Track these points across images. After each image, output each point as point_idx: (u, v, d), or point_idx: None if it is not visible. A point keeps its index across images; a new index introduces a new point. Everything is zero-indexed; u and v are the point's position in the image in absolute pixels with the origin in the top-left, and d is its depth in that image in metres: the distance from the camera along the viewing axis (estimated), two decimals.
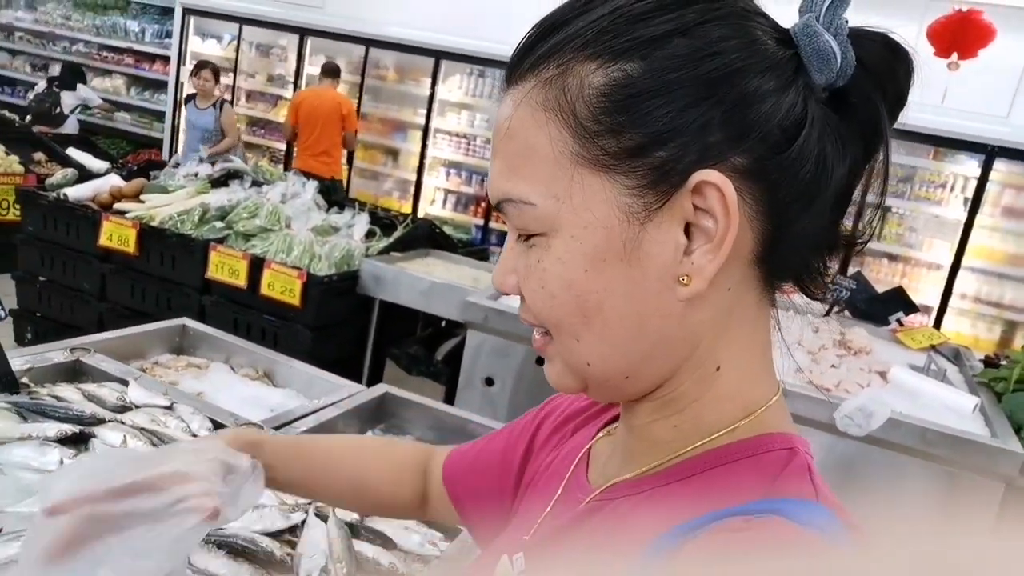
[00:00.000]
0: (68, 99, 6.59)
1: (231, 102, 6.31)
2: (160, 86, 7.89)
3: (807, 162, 0.49)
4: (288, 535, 1.09)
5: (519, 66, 0.52)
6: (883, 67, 0.51)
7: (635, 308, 0.51)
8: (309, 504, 1.14)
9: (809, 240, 0.53)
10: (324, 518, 1.11)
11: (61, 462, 1.14)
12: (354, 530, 1.12)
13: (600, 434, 0.67)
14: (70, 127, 6.60)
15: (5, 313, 1.38)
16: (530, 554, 0.62)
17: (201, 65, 5.85)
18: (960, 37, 4.21)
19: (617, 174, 0.49)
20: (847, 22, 0.51)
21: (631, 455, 0.59)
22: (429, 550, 1.14)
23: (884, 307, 3.58)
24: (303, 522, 1.11)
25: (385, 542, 1.10)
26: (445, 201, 6.90)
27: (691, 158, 0.48)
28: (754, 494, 0.49)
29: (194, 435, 1.33)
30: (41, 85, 6.75)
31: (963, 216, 5.27)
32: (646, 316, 0.51)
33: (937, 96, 4.97)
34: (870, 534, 0.48)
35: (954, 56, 4.23)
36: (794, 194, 0.50)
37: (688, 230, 0.50)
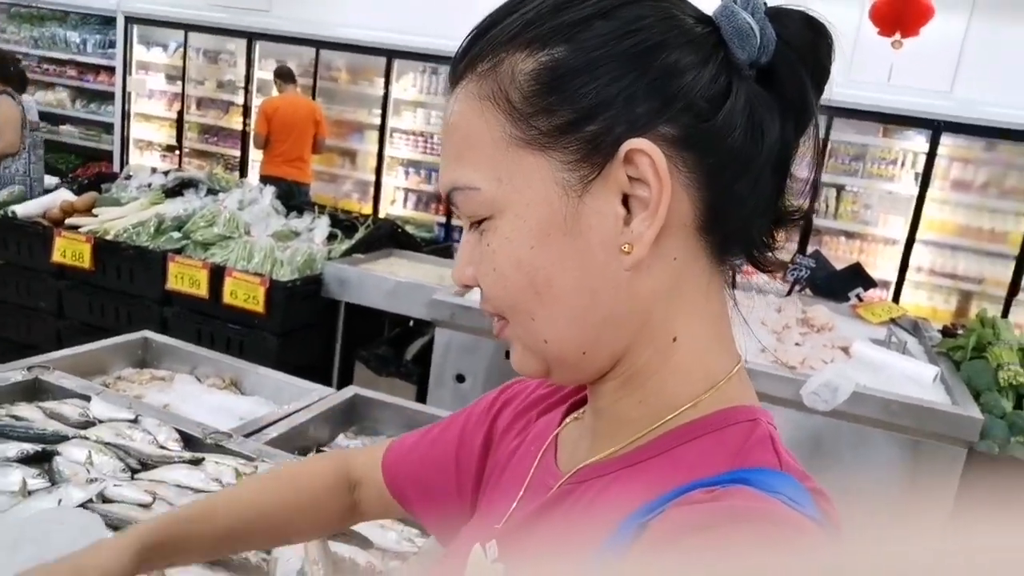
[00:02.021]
0: None
1: (17, 96, 4.42)
2: (107, 97, 7.70)
3: (735, 130, 0.51)
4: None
5: (458, 66, 0.55)
6: (804, 42, 0.53)
7: (584, 281, 0.53)
8: None
9: (749, 208, 0.54)
10: None
11: (24, 482, 1.11)
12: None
13: (568, 419, 0.67)
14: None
15: None
16: (503, 541, 0.62)
17: None
18: (902, 16, 4.30)
19: (553, 151, 0.51)
20: (764, 3, 0.53)
21: (599, 437, 0.59)
22: (406, 547, 1.14)
23: (843, 284, 3.65)
24: None
25: (361, 541, 1.09)
26: (406, 200, 6.86)
27: (620, 129, 0.50)
28: (719, 467, 0.50)
29: (161, 447, 1.31)
30: None
31: (915, 191, 5.40)
32: (595, 288, 0.53)
33: (883, 74, 5.09)
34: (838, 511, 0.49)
35: (897, 35, 4.33)
36: (726, 160, 0.52)
37: (627, 202, 0.52)
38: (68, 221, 3.71)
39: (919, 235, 5.44)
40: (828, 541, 0.45)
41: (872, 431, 2.53)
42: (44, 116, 7.28)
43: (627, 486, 0.54)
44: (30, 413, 1.38)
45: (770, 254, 0.58)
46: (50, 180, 4.58)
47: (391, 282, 3.37)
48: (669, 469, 0.52)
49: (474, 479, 0.74)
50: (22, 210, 3.81)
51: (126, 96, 7.45)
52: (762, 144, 0.52)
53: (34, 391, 1.56)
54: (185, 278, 3.37)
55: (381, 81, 6.50)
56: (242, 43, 6.96)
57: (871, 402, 2.50)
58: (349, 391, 1.98)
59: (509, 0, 0.55)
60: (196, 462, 1.26)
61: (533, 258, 0.52)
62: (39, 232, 3.62)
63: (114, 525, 1.03)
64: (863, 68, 5.17)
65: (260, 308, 3.21)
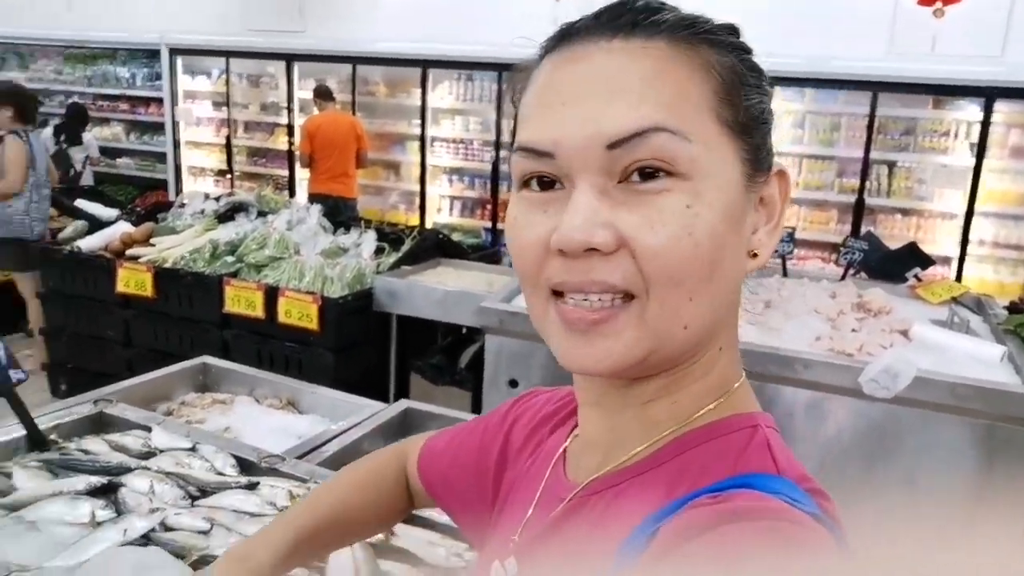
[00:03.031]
0: (76, 154, 6.65)
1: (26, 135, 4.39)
2: (158, 128, 7.98)
3: None
4: (316, 561, 1.11)
5: (646, 23, 0.53)
6: None
7: (734, 272, 0.55)
8: None
9: None
10: None
11: (92, 514, 1.17)
12: (379, 550, 1.13)
13: (575, 432, 0.68)
14: (87, 179, 6.70)
15: (26, 375, 1.41)
16: (520, 557, 0.63)
17: None
18: None
19: (741, 143, 0.54)
20: None
21: (616, 440, 0.59)
22: (455, 562, 1.15)
23: (899, 264, 3.54)
24: None
25: (411, 558, 1.12)
26: (451, 208, 6.92)
27: (767, 148, 0.57)
28: (720, 474, 0.52)
29: (219, 473, 1.36)
30: (50, 145, 6.74)
31: (971, 162, 5.19)
32: (734, 282, 0.55)
33: (927, 44, 4.92)
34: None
35: (939, 3, 4.19)
36: None
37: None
38: (128, 252, 3.86)
39: (978, 207, 5.23)
40: (832, 543, 0.46)
41: (939, 417, 2.45)
42: (102, 151, 7.60)
43: (636, 497, 0.55)
44: (96, 446, 1.45)
45: None
46: (110, 212, 4.75)
47: (439, 292, 3.40)
48: (674, 478, 0.54)
49: (493, 487, 0.76)
50: (85, 244, 3.98)
51: (175, 126, 7.70)
52: None
53: (100, 423, 1.63)
54: (241, 300, 3.47)
55: (418, 92, 6.58)
56: (281, 65, 7.12)
57: (935, 387, 2.42)
58: (401, 405, 2.01)
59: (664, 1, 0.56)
60: (251, 487, 1.30)
61: (724, 234, 0.52)
62: (102, 265, 3.78)
63: (177, 553, 1.08)
64: (905, 39, 5.00)
65: (314, 325, 3.29)
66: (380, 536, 1.17)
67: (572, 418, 0.70)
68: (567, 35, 0.55)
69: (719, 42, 0.55)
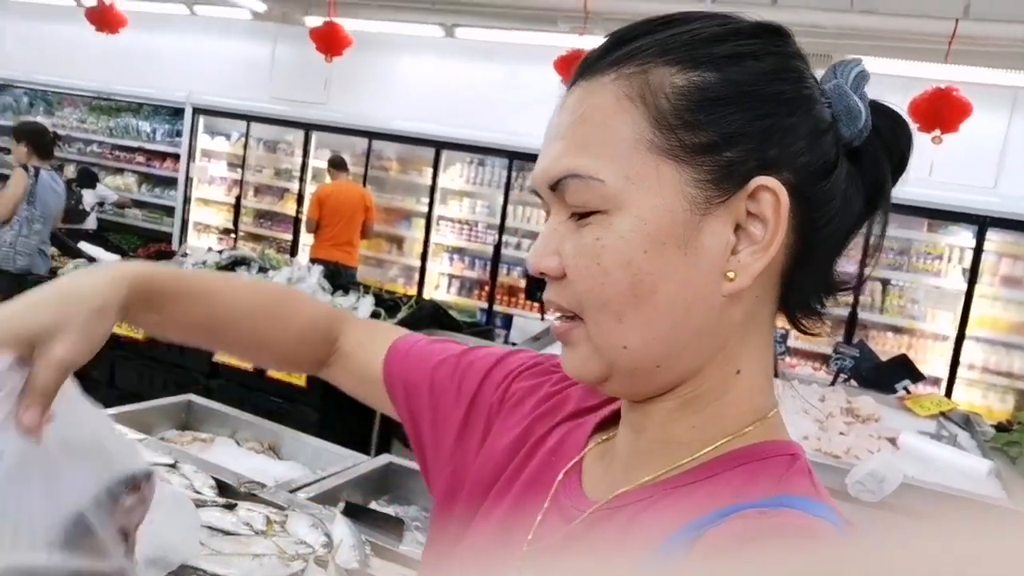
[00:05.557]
0: (88, 197, 6.79)
1: (32, 170, 4.53)
2: (170, 183, 8.12)
3: (836, 198, 0.55)
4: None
5: (596, 64, 0.57)
6: (891, 134, 0.58)
7: (684, 295, 0.54)
8: (310, 553, 1.14)
9: (819, 273, 0.58)
10: (324, 565, 1.10)
11: None
12: None
13: (591, 444, 0.67)
14: (91, 223, 6.79)
15: None
16: (536, 568, 0.61)
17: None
18: (940, 113, 4.37)
19: (687, 166, 0.53)
20: (866, 93, 0.57)
21: (640, 459, 0.59)
22: None
23: (889, 375, 3.56)
24: (303, 570, 1.10)
25: None
26: (449, 286, 6.98)
27: (752, 164, 0.53)
28: (762, 493, 0.52)
29: (197, 492, 1.33)
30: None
31: (963, 286, 5.30)
32: (692, 305, 0.54)
33: (924, 170, 5.11)
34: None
35: (937, 131, 4.38)
36: (823, 221, 0.55)
37: (736, 231, 0.54)
38: None
39: (970, 331, 5.30)
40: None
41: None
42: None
43: (669, 509, 0.55)
44: None
45: (815, 317, 0.61)
46: (111, 257, 4.78)
47: None
48: (713, 492, 0.54)
49: (463, 418, 0.76)
50: None
51: (188, 182, 7.84)
52: (848, 215, 0.57)
53: None
54: None
55: (429, 171, 6.74)
56: (299, 133, 7.33)
57: (922, 495, 2.39)
58: (383, 459, 1.99)
59: (658, 18, 0.57)
60: (229, 507, 1.28)
61: (644, 262, 0.53)
62: None
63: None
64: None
65: (302, 381, 3.27)
66: (355, 565, 1.14)
67: (587, 417, 0.70)
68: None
69: (689, 59, 0.54)
